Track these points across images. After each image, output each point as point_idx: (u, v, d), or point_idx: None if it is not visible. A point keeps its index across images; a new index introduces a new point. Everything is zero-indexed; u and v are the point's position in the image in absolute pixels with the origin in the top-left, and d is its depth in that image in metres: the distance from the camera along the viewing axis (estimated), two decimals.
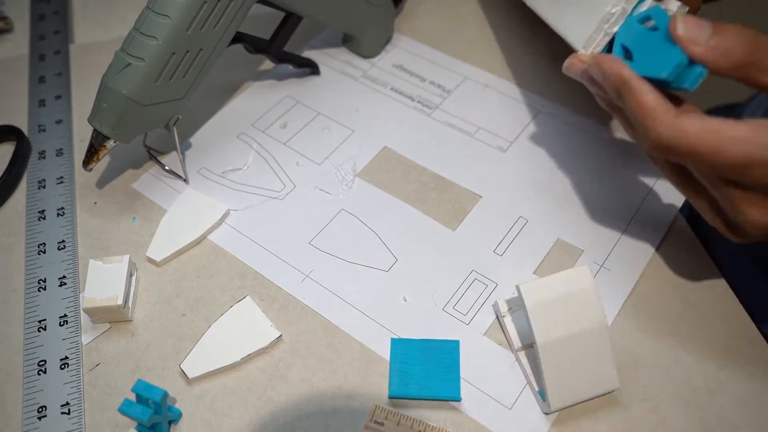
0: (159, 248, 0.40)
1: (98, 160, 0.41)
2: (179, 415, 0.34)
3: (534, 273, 0.39)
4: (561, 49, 0.54)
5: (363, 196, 0.44)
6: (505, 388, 0.35)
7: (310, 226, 0.42)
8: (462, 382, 0.35)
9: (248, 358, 0.36)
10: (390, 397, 0.35)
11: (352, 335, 0.37)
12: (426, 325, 0.38)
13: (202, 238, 0.41)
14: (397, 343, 0.36)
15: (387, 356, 0.36)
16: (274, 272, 0.40)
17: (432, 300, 0.39)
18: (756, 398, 0.35)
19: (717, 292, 0.39)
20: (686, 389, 0.35)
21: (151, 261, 0.40)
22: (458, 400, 0.34)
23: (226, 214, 0.42)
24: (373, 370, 0.36)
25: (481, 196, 0.43)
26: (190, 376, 0.35)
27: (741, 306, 0.38)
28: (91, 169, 0.41)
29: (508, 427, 0.34)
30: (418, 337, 0.37)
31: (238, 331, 0.37)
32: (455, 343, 0.36)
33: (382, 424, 0.33)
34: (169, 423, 0.34)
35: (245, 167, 0.45)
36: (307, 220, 0.42)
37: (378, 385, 0.35)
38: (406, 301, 0.39)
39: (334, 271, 0.40)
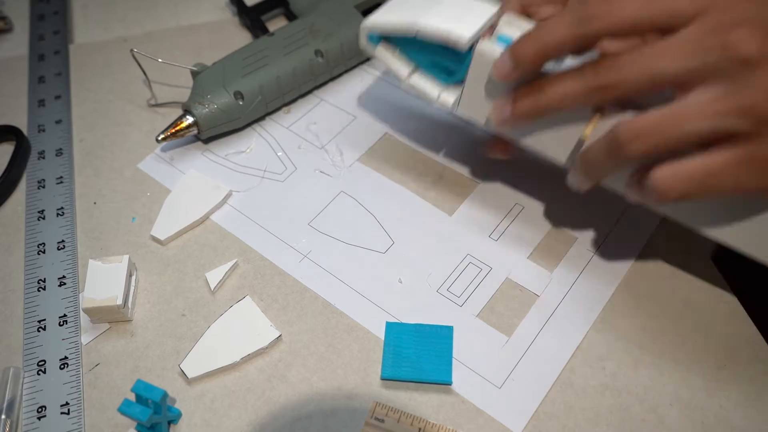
0: (163, 227, 0.41)
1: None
2: (179, 415, 0.34)
3: (528, 258, 0.40)
4: None
5: (362, 179, 0.44)
6: (496, 368, 0.36)
7: (310, 208, 0.43)
8: (454, 362, 0.36)
9: (248, 358, 0.36)
10: (382, 378, 0.35)
11: (348, 314, 0.38)
12: (420, 306, 0.38)
13: (205, 218, 0.42)
14: (391, 327, 0.37)
15: (382, 338, 0.37)
16: (273, 252, 0.41)
17: (427, 282, 0.39)
18: (756, 398, 0.35)
19: (717, 292, 0.39)
20: (686, 389, 0.35)
21: (155, 240, 0.41)
22: (449, 383, 0.35)
23: (229, 195, 0.43)
24: (372, 370, 0.36)
25: (478, 183, 0.44)
26: (189, 376, 0.35)
27: (741, 306, 0.38)
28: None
29: (498, 407, 0.34)
30: (413, 318, 0.38)
31: (238, 331, 0.37)
32: (449, 329, 0.37)
33: (382, 421, 0.33)
34: (169, 423, 0.34)
35: (248, 150, 0.46)
36: (307, 202, 0.43)
37: (377, 384, 0.35)
38: (401, 282, 0.39)
39: (332, 252, 0.41)
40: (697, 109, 0.26)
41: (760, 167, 0.26)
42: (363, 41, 0.38)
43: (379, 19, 0.36)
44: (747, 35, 0.25)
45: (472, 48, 0.34)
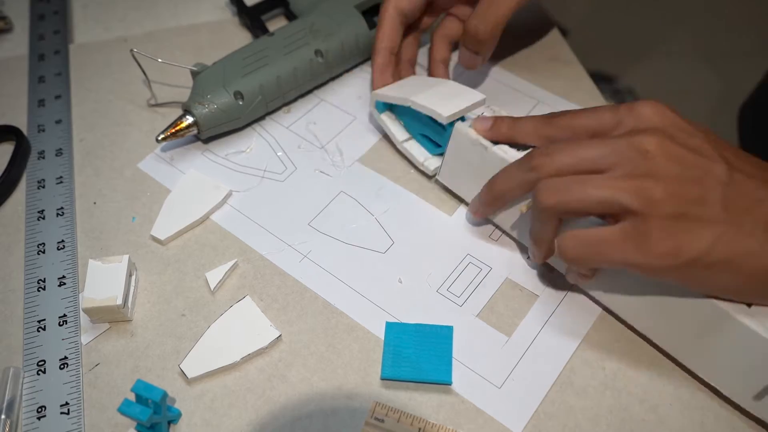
0: (163, 227, 0.41)
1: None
2: (179, 415, 0.34)
3: (528, 258, 0.40)
4: (559, 47, 0.54)
5: (362, 179, 0.44)
6: (496, 368, 0.36)
7: (310, 208, 0.43)
8: (454, 362, 0.36)
9: (248, 358, 0.36)
10: (382, 378, 0.35)
11: (348, 314, 0.38)
12: (420, 306, 0.38)
13: (205, 218, 0.42)
14: (391, 327, 0.37)
15: (382, 338, 0.37)
16: (273, 252, 0.41)
17: (427, 282, 0.39)
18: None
19: None
20: (686, 389, 0.35)
21: (155, 240, 0.41)
22: (449, 383, 0.35)
23: (229, 195, 0.43)
24: (372, 370, 0.36)
25: None
26: (189, 376, 0.35)
27: None
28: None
29: (498, 407, 0.35)
30: (413, 318, 0.38)
31: (238, 331, 0.37)
32: (449, 329, 0.37)
33: (382, 421, 0.33)
34: (169, 423, 0.34)
35: (248, 150, 0.46)
36: (307, 202, 0.43)
37: (377, 384, 0.35)
38: (401, 282, 0.39)
39: (331, 252, 0.41)
40: (601, 181, 0.31)
41: (641, 242, 0.30)
42: (372, 108, 0.46)
43: (384, 91, 0.44)
44: (650, 136, 0.31)
45: (452, 125, 0.40)
